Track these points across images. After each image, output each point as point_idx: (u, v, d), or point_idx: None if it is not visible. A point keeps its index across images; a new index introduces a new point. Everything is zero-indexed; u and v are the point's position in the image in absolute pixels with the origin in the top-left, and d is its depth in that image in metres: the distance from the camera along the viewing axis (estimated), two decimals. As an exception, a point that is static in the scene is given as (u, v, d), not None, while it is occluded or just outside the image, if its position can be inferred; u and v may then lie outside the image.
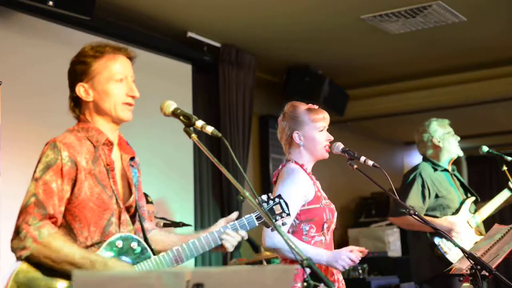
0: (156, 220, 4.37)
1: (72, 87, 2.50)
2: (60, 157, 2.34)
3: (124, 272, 1.91)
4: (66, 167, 2.34)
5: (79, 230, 2.36)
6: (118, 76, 2.47)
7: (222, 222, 2.54)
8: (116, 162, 2.50)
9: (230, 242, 2.49)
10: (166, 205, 5.91)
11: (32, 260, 2.27)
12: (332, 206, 3.19)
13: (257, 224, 2.54)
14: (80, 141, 2.42)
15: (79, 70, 2.48)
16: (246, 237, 2.53)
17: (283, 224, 2.64)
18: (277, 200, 2.59)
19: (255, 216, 2.54)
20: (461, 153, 4.85)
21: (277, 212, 2.57)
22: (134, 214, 2.56)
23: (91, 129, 2.46)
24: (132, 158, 2.59)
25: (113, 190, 2.44)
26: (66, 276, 2.27)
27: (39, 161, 2.37)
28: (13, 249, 2.29)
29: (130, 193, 2.52)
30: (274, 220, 2.54)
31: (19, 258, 2.28)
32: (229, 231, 2.49)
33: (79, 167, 2.36)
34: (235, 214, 2.56)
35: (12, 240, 2.29)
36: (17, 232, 2.28)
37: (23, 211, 2.29)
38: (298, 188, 3.10)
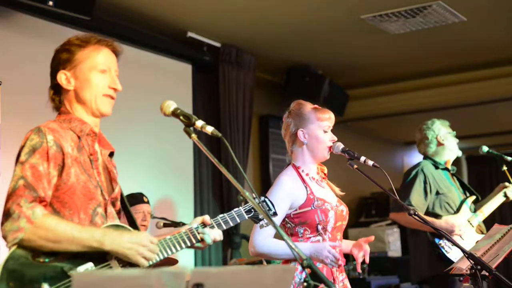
0: (156, 220, 4.36)
1: (53, 74, 2.47)
2: (46, 140, 2.29)
3: (124, 272, 1.90)
4: (52, 151, 2.28)
5: (69, 217, 2.28)
6: (101, 67, 2.46)
7: (198, 220, 2.49)
8: (97, 154, 2.46)
9: (209, 235, 2.43)
10: (166, 205, 5.91)
11: (26, 244, 2.15)
12: (327, 206, 3.15)
13: (246, 217, 2.55)
14: (64, 130, 2.38)
15: (62, 58, 2.45)
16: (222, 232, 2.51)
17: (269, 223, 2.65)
18: (262, 198, 2.61)
19: (244, 209, 2.55)
20: (460, 153, 4.90)
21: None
22: (120, 210, 2.52)
23: (74, 119, 2.43)
24: (111, 154, 2.55)
25: (98, 181, 2.39)
26: (58, 261, 2.19)
27: (23, 146, 2.30)
28: (5, 233, 2.16)
29: (112, 187, 2.47)
30: (259, 219, 2.58)
31: (12, 242, 2.15)
32: (206, 228, 2.45)
33: (65, 152, 2.31)
34: (207, 217, 2.50)
35: (3, 223, 2.17)
36: (7, 215, 2.17)
37: (12, 194, 2.20)
38: (283, 195, 3.10)
